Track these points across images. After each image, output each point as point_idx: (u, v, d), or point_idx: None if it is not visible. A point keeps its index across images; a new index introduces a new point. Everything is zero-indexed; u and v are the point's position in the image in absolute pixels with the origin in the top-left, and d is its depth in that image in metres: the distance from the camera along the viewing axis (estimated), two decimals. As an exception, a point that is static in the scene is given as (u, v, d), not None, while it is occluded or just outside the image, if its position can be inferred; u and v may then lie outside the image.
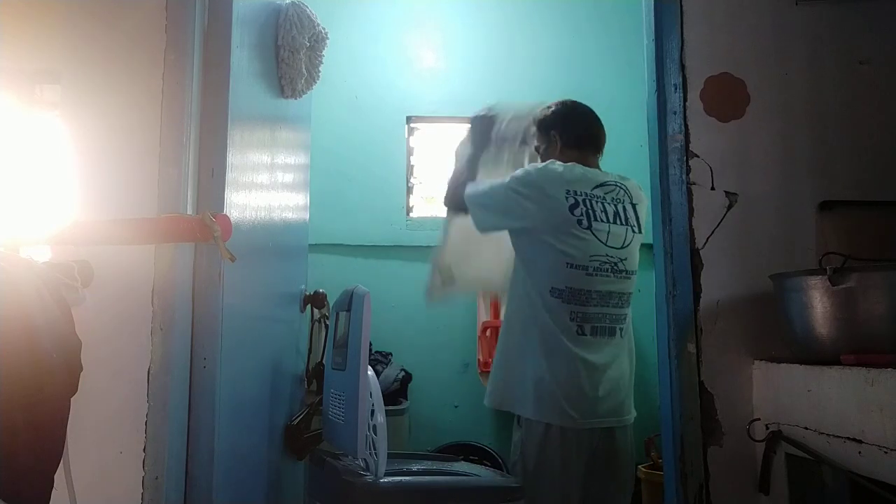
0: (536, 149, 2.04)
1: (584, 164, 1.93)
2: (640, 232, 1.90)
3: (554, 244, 1.77)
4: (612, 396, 1.79)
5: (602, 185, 1.86)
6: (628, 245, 1.86)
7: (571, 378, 1.74)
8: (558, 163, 1.86)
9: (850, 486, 1.22)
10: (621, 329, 1.85)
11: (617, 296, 1.82)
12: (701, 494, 1.50)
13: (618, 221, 1.85)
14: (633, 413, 1.88)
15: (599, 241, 1.79)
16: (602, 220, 1.81)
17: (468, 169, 2.03)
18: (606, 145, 2.39)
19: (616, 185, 1.89)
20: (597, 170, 1.93)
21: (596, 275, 1.78)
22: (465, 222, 1.96)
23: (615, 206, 1.86)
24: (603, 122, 2.40)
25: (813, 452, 1.31)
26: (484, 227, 1.92)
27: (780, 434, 1.42)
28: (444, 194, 2.11)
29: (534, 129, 2.04)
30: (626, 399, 1.84)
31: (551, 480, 1.73)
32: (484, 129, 2.07)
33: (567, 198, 1.79)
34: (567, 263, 1.76)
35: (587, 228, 1.78)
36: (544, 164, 1.87)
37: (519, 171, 1.86)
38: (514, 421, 1.87)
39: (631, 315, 1.91)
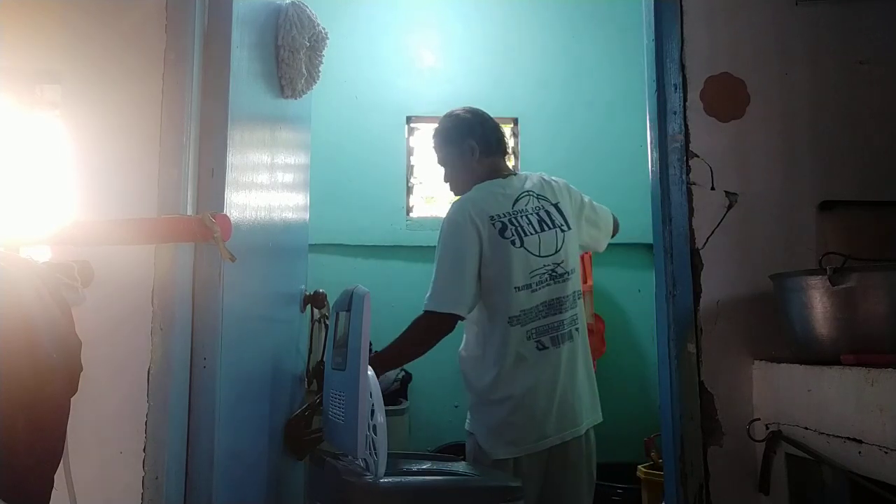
0: (441, 162, 2.01)
1: (498, 170, 1.94)
2: (570, 229, 1.90)
3: (499, 273, 1.77)
4: (563, 410, 1.78)
5: (517, 199, 1.86)
6: (562, 247, 1.85)
7: (527, 406, 1.74)
8: (471, 194, 1.86)
9: (849, 486, 1.22)
10: (576, 330, 1.85)
11: (561, 301, 1.82)
12: (701, 494, 1.50)
13: (545, 228, 1.85)
14: (589, 419, 1.85)
15: (533, 254, 1.80)
16: (531, 233, 1.82)
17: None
18: (607, 145, 2.39)
19: (529, 194, 1.89)
20: (504, 179, 1.92)
21: (538, 289, 1.79)
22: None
23: (538, 213, 1.86)
24: (603, 123, 2.39)
25: (813, 452, 1.31)
26: (469, 303, 1.78)
27: (780, 434, 1.42)
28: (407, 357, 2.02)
29: (437, 141, 2.01)
30: (580, 407, 1.82)
31: None
32: None
33: (494, 224, 1.79)
34: (515, 288, 1.77)
35: (521, 247, 1.79)
36: (458, 204, 1.86)
37: (443, 226, 1.83)
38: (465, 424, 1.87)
39: (581, 311, 1.90)
